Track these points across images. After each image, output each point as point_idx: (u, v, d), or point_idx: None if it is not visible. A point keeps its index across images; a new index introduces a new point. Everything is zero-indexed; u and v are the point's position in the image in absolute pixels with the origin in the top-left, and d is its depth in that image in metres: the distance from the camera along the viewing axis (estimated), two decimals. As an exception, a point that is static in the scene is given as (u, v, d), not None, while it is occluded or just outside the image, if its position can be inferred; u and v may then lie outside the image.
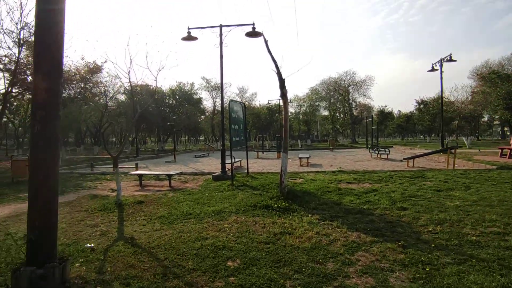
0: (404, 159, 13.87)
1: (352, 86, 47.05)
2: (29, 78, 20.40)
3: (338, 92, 47.67)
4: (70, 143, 46.41)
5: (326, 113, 57.09)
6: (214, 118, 49.44)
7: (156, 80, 7.09)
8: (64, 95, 23.76)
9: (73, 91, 23.81)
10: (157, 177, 10.84)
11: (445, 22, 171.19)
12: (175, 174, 9.91)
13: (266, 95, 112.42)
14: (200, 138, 72.84)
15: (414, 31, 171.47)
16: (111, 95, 30.83)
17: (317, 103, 55.23)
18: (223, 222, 5.21)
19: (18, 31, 17.86)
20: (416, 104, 53.63)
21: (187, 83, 44.39)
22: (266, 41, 7.31)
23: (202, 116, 49.05)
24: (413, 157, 12.98)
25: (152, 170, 14.18)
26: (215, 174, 10.26)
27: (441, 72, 17.62)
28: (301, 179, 9.91)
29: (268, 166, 14.97)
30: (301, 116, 60.29)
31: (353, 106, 48.87)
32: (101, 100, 32.60)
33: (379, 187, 7.87)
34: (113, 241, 4.46)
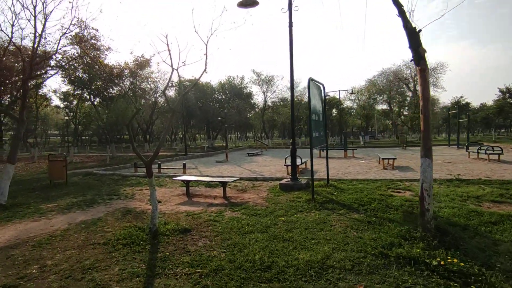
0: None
1: (420, 74, 40.60)
2: (79, 73, 19.91)
3: (403, 82, 41.53)
4: (126, 140, 47.67)
5: (383, 106, 50.98)
6: (265, 113, 47.10)
7: (206, 48, 4.51)
8: (114, 90, 23.13)
9: (124, 86, 23.03)
10: (208, 183, 8.53)
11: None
12: (231, 182, 7.47)
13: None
14: (249, 134, 71.19)
15: (481, 14, 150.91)
16: (160, 90, 30.02)
17: (374, 97, 49.44)
18: (345, 306, 2.49)
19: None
20: (500, 93, 45.00)
21: (237, 76, 42.51)
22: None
23: (251, 112, 46.91)
24: None
25: (202, 172, 12.04)
26: (283, 182, 7.57)
27: None
28: (407, 192, 6.81)
29: (340, 168, 11.85)
30: (354, 111, 54.96)
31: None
32: (152, 98, 32.13)
33: None
34: None
